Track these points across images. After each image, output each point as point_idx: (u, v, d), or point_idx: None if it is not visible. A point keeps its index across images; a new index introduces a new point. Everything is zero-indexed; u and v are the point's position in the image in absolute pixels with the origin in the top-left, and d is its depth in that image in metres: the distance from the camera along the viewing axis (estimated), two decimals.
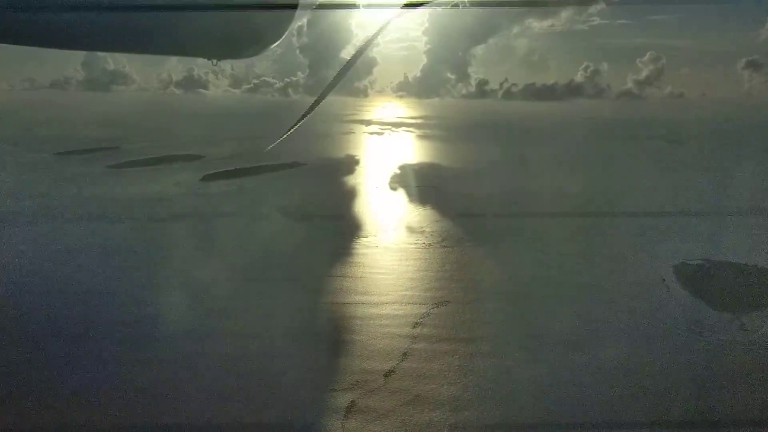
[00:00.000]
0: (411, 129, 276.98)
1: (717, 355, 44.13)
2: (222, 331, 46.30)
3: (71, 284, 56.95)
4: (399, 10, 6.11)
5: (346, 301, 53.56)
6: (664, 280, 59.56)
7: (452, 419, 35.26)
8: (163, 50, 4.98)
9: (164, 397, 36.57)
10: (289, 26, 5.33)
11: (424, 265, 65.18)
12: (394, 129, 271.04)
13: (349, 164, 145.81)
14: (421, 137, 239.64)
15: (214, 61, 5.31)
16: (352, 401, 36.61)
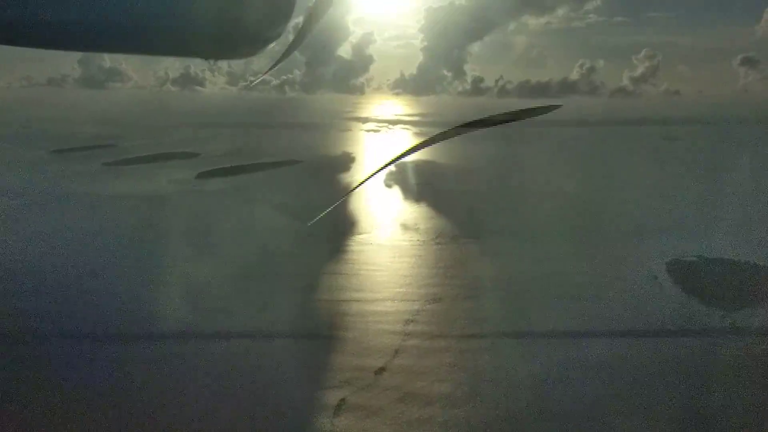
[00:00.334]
0: (408, 126, 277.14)
1: (707, 353, 44.32)
2: (211, 328, 46.34)
3: (66, 282, 56.95)
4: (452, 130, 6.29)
5: (338, 298, 53.67)
6: (656, 277, 59.79)
7: (444, 416, 35.41)
8: (160, 50, 4.95)
9: (154, 395, 36.66)
10: (287, 25, 5.29)
11: (418, 262, 65.37)
12: (390, 126, 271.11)
13: (345, 161, 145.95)
14: (418, 135, 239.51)
15: (212, 61, 5.24)
16: (343, 399, 36.74)
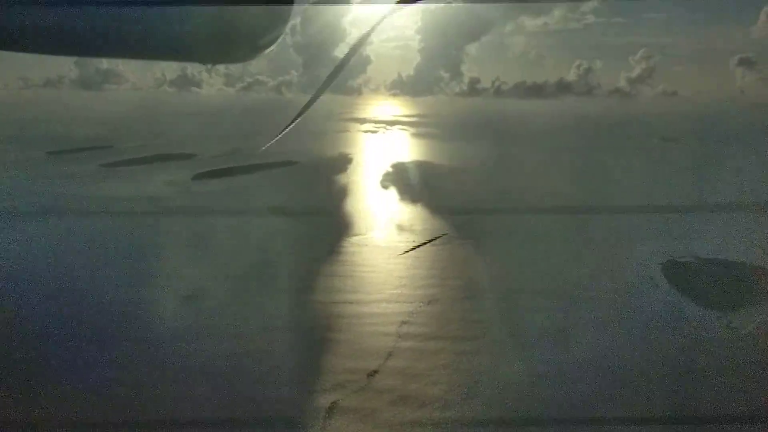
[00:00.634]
0: (405, 127, 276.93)
1: (703, 352, 44.21)
2: (203, 330, 46.12)
3: (61, 282, 56.74)
4: (393, 7, 6.01)
5: (333, 300, 53.46)
6: (652, 277, 59.71)
7: (438, 419, 35.26)
8: (157, 55, 4.93)
9: (143, 394, 36.47)
10: (285, 28, 5.22)
11: (414, 263, 65.20)
12: (388, 127, 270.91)
13: (342, 162, 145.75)
14: (415, 135, 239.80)
15: (210, 65, 5.31)
16: (335, 401, 36.55)
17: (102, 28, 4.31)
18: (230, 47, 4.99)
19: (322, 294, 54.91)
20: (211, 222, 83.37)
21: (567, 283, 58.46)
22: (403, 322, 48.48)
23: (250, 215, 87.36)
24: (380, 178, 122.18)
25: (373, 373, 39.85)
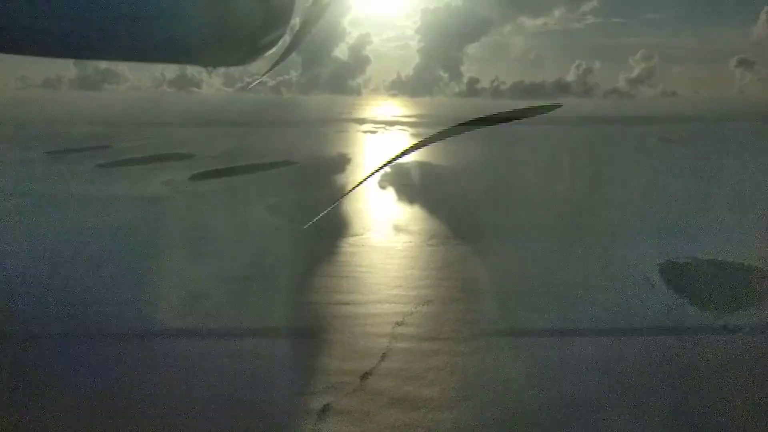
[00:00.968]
0: (405, 128, 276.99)
1: (697, 355, 43.91)
2: (194, 329, 45.79)
3: (56, 282, 56.43)
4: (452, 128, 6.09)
5: (328, 301, 53.10)
6: (648, 279, 59.40)
7: (432, 421, 34.91)
8: (156, 58, 4.78)
9: (140, 396, 36.15)
10: (286, 29, 5.13)
11: (410, 264, 64.91)
12: (387, 127, 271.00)
13: (341, 163, 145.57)
14: (414, 136, 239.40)
15: (209, 68, 5.14)
16: (327, 404, 36.18)
17: (101, 30, 4.18)
18: (230, 49, 4.87)
19: (316, 294, 54.56)
20: (207, 222, 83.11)
21: (565, 284, 58.16)
22: (398, 323, 48.14)
23: (246, 215, 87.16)
24: (378, 178, 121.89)
25: (366, 375, 39.49)
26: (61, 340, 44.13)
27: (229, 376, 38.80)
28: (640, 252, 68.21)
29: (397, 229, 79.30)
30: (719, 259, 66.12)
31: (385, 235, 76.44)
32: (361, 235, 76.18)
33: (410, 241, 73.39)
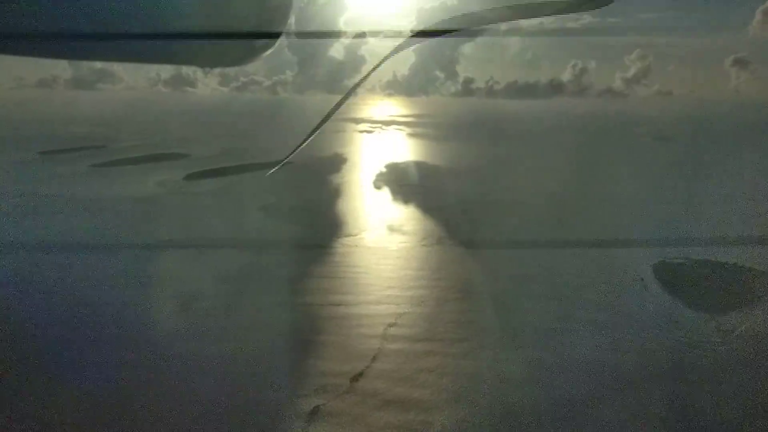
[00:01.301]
0: (401, 127, 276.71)
1: (690, 356, 43.78)
2: (185, 331, 45.50)
3: (50, 284, 56.09)
4: (408, 40, 6.16)
5: (320, 302, 52.84)
6: (642, 279, 59.26)
7: (424, 422, 34.68)
8: (156, 59, 4.92)
9: (122, 395, 35.86)
10: (282, 33, 5.19)
11: (405, 265, 64.66)
12: (384, 127, 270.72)
13: (337, 162, 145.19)
14: (410, 135, 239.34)
15: (207, 69, 5.39)
16: (317, 406, 35.93)
17: (102, 32, 4.22)
18: (228, 51, 4.98)
19: (308, 295, 54.27)
20: (201, 222, 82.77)
21: (560, 285, 58.00)
22: (391, 324, 47.92)
23: (240, 216, 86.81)
24: (374, 178, 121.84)
25: (357, 377, 39.25)
26: (55, 340, 43.86)
27: (218, 377, 38.56)
28: (630, 253, 68.14)
29: (392, 229, 79.03)
30: (709, 258, 66.00)
31: (379, 235, 76.16)
32: (355, 235, 75.91)
33: (404, 242, 73.14)
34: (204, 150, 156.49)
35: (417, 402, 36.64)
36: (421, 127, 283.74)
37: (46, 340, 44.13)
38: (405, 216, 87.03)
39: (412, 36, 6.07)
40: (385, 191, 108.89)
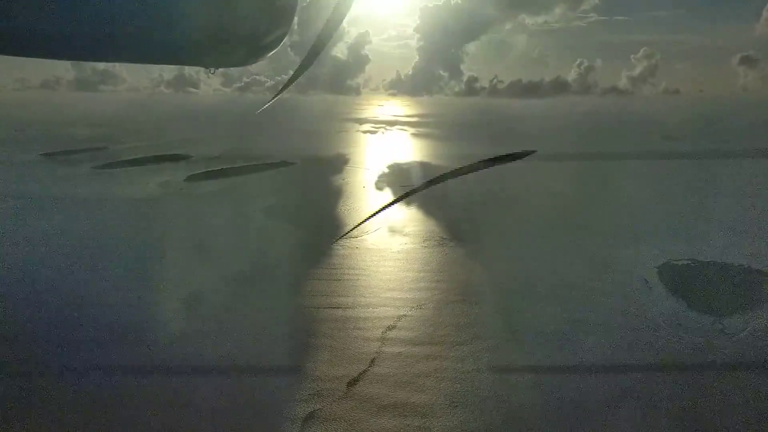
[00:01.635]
0: (405, 127, 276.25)
1: (694, 357, 43.00)
2: (181, 333, 44.92)
3: (53, 284, 55.74)
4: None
5: (319, 304, 52.16)
6: (647, 280, 58.38)
7: (422, 428, 34.00)
8: (161, 60, 4.88)
9: (116, 395, 35.30)
10: (288, 31, 5.23)
11: (405, 266, 63.98)
12: (388, 127, 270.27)
13: (339, 163, 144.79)
14: (413, 135, 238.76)
15: (212, 69, 5.21)
16: (312, 411, 35.25)
17: (108, 33, 4.22)
18: (233, 52, 4.98)
19: (308, 298, 53.67)
20: (202, 223, 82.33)
21: (561, 286, 57.20)
22: (390, 327, 47.22)
23: (241, 217, 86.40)
24: (376, 179, 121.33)
25: (354, 381, 38.55)
26: (54, 341, 43.43)
27: (212, 381, 37.98)
28: (635, 254, 67.32)
29: (393, 230, 78.33)
30: (715, 260, 65.11)
31: (380, 236, 75.49)
32: (356, 236, 75.25)
33: (406, 243, 72.47)
34: (206, 151, 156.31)
35: (415, 407, 35.96)
36: (424, 127, 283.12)
37: (46, 341, 43.75)
38: (407, 217, 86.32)
39: None
40: (387, 192, 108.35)
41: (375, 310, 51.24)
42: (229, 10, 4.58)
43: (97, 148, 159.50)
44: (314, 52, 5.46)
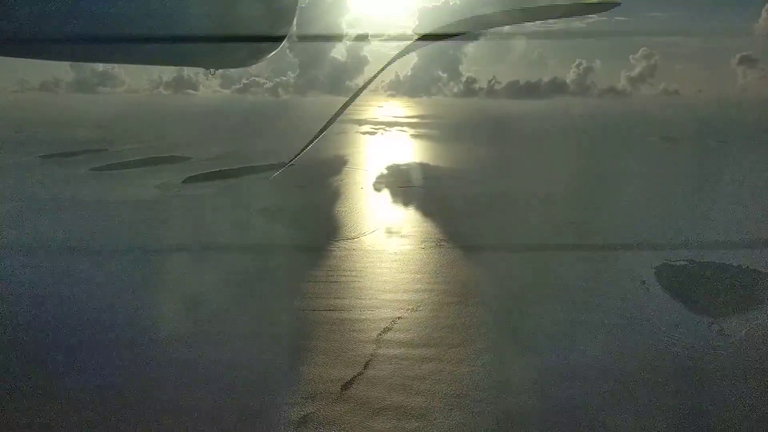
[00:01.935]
0: (404, 128, 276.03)
1: (691, 359, 42.79)
2: (178, 335, 44.76)
3: (51, 285, 55.59)
4: (414, 43, 6.18)
5: (315, 306, 51.95)
6: (644, 282, 58.16)
7: (417, 431, 33.82)
8: (162, 61, 4.94)
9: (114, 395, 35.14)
10: (288, 32, 5.23)
11: (402, 268, 63.75)
12: (387, 128, 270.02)
13: (338, 164, 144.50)
14: (412, 136, 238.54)
15: (212, 70, 5.25)
16: (307, 414, 35.05)
17: (109, 34, 4.21)
18: (233, 53, 5.01)
19: (304, 299, 53.46)
20: (199, 225, 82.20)
21: (560, 288, 57.00)
22: (386, 329, 47.02)
23: (239, 219, 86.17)
24: (374, 180, 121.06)
25: (348, 384, 38.34)
26: (53, 344, 43.30)
27: (206, 383, 37.78)
28: (633, 255, 67.14)
29: (391, 232, 78.16)
30: (713, 260, 64.86)
31: (377, 238, 75.29)
32: (354, 238, 75.09)
33: (403, 245, 72.26)
34: (204, 153, 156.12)
35: (410, 409, 35.76)
36: (423, 128, 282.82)
37: (46, 343, 43.67)
38: (405, 218, 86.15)
39: (418, 39, 6.10)
40: (386, 193, 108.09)
41: (371, 312, 51.02)
42: (230, 12, 4.60)
43: (96, 150, 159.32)
44: (332, 120, 5.89)
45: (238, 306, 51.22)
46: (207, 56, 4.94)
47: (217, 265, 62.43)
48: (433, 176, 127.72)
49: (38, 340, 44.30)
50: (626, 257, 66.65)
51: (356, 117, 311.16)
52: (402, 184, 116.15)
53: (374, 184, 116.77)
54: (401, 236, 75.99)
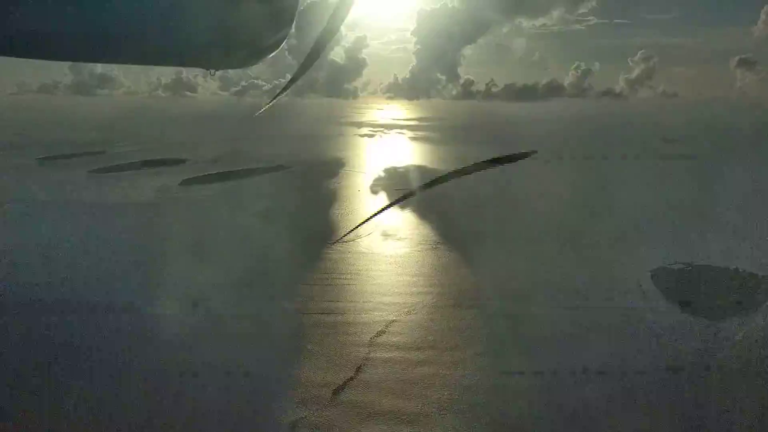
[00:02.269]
0: (403, 131, 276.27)
1: (689, 360, 42.68)
2: (175, 337, 44.61)
3: (50, 287, 55.42)
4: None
5: (309, 309, 51.83)
6: (640, 285, 58.00)
7: None
8: (161, 61, 4.93)
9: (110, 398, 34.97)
10: (288, 32, 5.24)
11: (398, 271, 63.63)
12: (386, 131, 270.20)
13: (335, 167, 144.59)
14: (411, 139, 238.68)
15: (212, 71, 5.25)
16: (299, 419, 34.89)
17: (107, 34, 4.25)
18: (233, 53, 5.00)
19: (299, 302, 53.31)
20: (196, 228, 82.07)
21: (556, 290, 56.85)
22: (380, 332, 46.85)
23: (236, 221, 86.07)
24: (371, 183, 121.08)
25: (341, 388, 38.16)
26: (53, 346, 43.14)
27: (198, 387, 37.59)
28: (632, 258, 67.02)
29: (387, 234, 77.99)
30: (711, 264, 64.73)
31: (374, 240, 75.14)
32: (350, 240, 74.93)
33: (399, 247, 72.15)
34: (203, 154, 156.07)
35: (403, 414, 35.57)
36: (421, 130, 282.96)
37: (45, 345, 43.57)
38: (401, 221, 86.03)
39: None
40: (382, 196, 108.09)
41: (366, 315, 50.88)
42: (230, 12, 4.59)
43: (95, 153, 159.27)
44: (312, 56, 5.47)
45: (231, 308, 51.04)
46: (207, 57, 4.93)
47: (211, 267, 62.22)
48: (431, 178, 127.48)
49: (37, 341, 44.26)
50: (625, 259, 66.47)
51: (355, 120, 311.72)
52: (398, 186, 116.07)
53: (371, 187, 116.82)
54: (397, 239, 75.87)
